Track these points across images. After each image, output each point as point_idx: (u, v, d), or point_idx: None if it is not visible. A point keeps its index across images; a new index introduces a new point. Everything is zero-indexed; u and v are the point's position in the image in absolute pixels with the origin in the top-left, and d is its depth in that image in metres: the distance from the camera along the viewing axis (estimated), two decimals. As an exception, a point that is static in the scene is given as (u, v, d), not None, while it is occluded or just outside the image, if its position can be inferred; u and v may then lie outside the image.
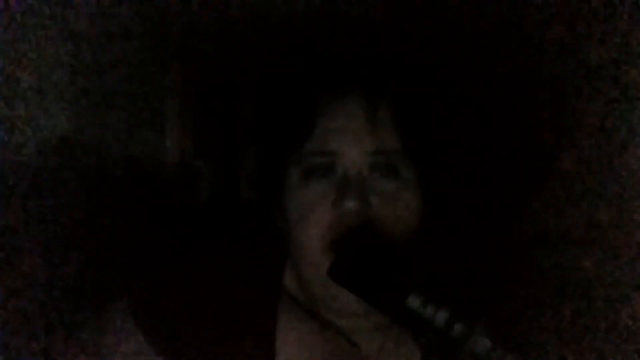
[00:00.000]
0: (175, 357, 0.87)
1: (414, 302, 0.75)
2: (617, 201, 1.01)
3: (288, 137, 0.86)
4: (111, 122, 1.20)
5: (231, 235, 1.08)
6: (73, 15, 1.15)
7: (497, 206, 1.04)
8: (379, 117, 0.84)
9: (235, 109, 1.24)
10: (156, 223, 1.18)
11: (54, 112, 1.15)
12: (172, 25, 1.21)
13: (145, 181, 1.22)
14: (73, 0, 1.15)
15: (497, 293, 0.99)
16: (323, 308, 0.87)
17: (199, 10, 1.20)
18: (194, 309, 0.87)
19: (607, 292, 1.01)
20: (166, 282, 0.89)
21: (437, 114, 0.87)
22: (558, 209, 1.06)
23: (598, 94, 1.02)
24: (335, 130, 0.84)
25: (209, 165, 1.26)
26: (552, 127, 1.07)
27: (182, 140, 1.26)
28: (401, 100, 0.85)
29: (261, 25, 1.18)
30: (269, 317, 0.88)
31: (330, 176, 0.84)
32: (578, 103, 1.04)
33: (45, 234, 1.11)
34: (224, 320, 0.87)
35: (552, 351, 1.00)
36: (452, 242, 0.90)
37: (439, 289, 0.76)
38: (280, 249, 0.90)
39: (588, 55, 1.03)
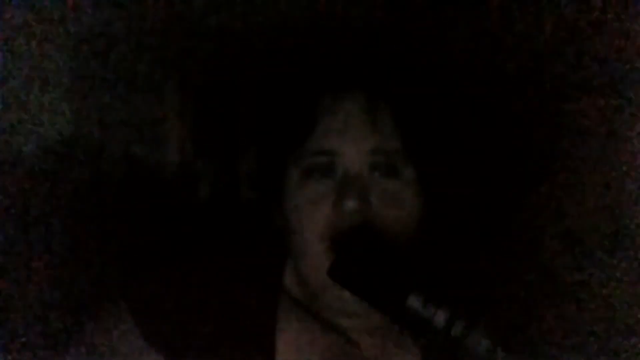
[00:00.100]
0: (175, 357, 0.86)
1: (414, 302, 0.75)
2: (617, 201, 1.01)
3: (288, 136, 0.86)
4: (111, 122, 1.20)
5: (231, 235, 1.08)
6: (73, 16, 1.15)
7: (497, 206, 1.04)
8: (379, 117, 0.84)
9: (235, 109, 1.24)
10: (156, 223, 1.18)
11: (54, 112, 1.15)
12: (173, 25, 1.21)
13: (145, 181, 1.22)
14: (73, 1, 1.15)
15: (497, 293, 0.99)
16: (323, 308, 0.87)
17: (200, 10, 1.20)
18: (194, 309, 0.87)
19: (607, 292, 1.01)
20: (166, 282, 0.89)
21: (437, 114, 0.87)
22: (558, 208, 1.06)
23: (598, 93, 1.02)
24: (336, 130, 0.84)
25: (209, 165, 1.26)
26: (551, 127, 1.07)
27: (182, 140, 1.26)
28: (401, 100, 0.85)
29: (261, 25, 1.18)
30: (269, 317, 0.88)
31: (330, 176, 0.84)
32: (578, 103, 1.04)
33: (46, 234, 1.11)
34: (223, 320, 0.87)
35: (552, 351, 1.00)
36: (452, 242, 0.90)
37: (438, 289, 0.76)
38: (280, 249, 0.90)
39: (588, 55, 1.03)
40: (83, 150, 1.17)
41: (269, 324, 0.88)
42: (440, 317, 0.74)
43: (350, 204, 0.82)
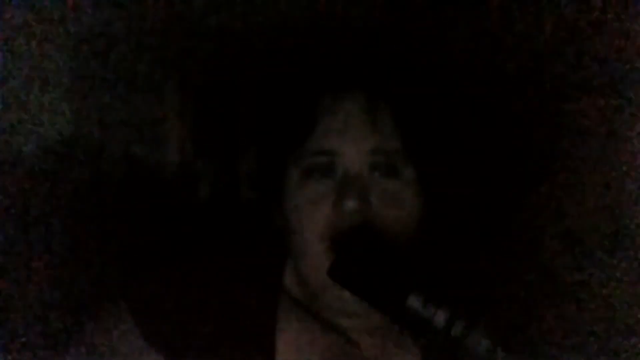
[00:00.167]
0: (175, 357, 0.86)
1: (414, 302, 0.75)
2: (617, 201, 1.01)
3: (288, 136, 0.86)
4: (111, 122, 1.20)
5: (231, 235, 1.08)
6: (73, 16, 1.15)
7: (497, 206, 1.04)
8: (379, 117, 0.84)
9: (235, 109, 1.24)
10: (156, 223, 1.18)
11: (54, 112, 1.15)
12: (173, 25, 1.21)
13: (145, 181, 1.22)
14: (73, 1, 1.15)
15: (497, 293, 0.99)
16: (323, 308, 0.87)
17: (200, 10, 1.20)
18: (194, 309, 0.87)
19: (607, 292, 1.01)
20: (166, 282, 0.89)
21: (437, 114, 0.87)
22: (558, 208, 1.06)
23: (598, 93, 1.02)
24: (336, 130, 0.84)
25: (209, 165, 1.26)
26: (551, 127, 1.07)
27: (182, 140, 1.26)
28: (401, 100, 0.85)
29: (261, 25, 1.18)
30: (269, 317, 0.88)
31: (330, 176, 0.84)
32: (578, 103, 1.04)
33: (46, 234, 1.11)
34: (223, 320, 0.87)
35: (552, 351, 1.00)
36: (452, 242, 0.90)
37: (438, 289, 0.76)
38: (280, 249, 0.90)
39: (588, 55, 1.03)
40: (83, 150, 1.17)
41: (269, 324, 0.88)
42: (440, 317, 0.74)
43: (350, 204, 0.82)
